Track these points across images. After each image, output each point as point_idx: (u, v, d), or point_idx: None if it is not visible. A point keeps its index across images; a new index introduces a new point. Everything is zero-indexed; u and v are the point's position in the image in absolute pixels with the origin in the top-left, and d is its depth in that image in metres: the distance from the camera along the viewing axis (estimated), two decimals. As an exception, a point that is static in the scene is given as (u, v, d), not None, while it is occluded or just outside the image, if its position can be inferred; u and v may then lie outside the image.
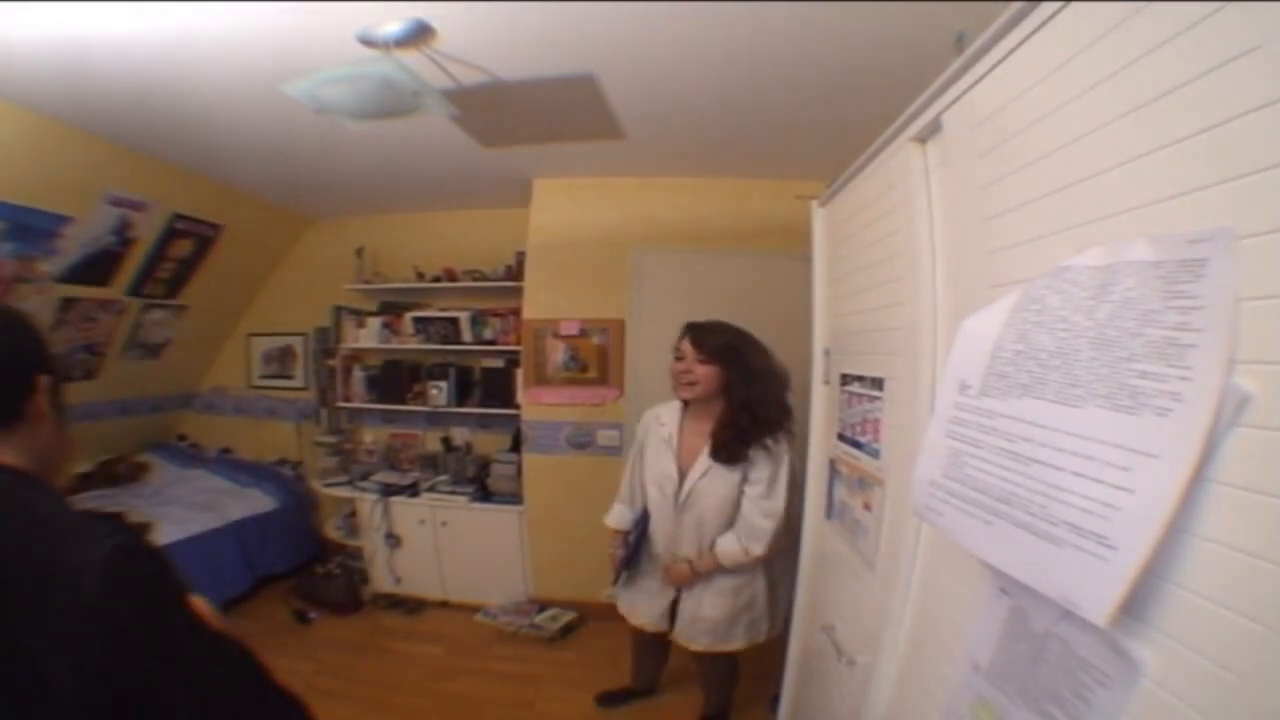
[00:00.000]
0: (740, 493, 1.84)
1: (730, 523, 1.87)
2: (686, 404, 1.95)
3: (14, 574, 0.56)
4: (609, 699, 2.45)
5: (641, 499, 2.06)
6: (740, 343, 1.84)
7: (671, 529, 1.94)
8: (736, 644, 1.98)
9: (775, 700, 2.03)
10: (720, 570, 1.89)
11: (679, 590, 1.98)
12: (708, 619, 1.94)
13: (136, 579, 0.58)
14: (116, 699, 0.55)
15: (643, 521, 2.03)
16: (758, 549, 1.81)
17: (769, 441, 1.81)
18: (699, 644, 1.99)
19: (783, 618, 1.98)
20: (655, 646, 2.25)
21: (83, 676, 0.54)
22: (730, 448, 1.79)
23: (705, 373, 1.81)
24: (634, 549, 2.03)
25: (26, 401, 0.68)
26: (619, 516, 2.12)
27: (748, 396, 1.80)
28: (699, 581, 1.92)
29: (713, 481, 1.84)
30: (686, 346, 1.85)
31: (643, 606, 2.07)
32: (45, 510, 0.62)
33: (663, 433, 1.97)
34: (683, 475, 1.89)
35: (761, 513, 1.81)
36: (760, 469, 1.81)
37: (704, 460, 1.85)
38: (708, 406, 1.87)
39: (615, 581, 2.12)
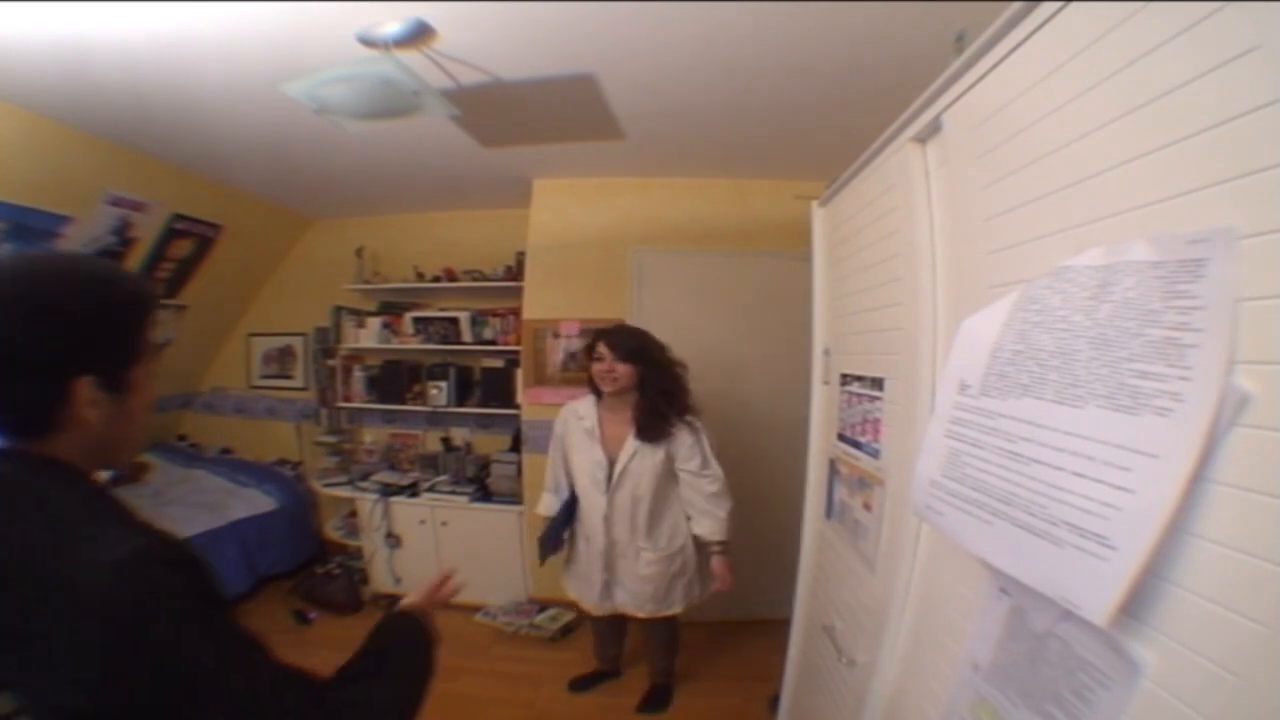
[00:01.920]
0: (664, 467, 2.11)
1: (661, 494, 2.14)
2: (600, 398, 2.18)
3: (14, 566, 0.56)
4: (580, 683, 2.60)
5: (567, 487, 2.28)
6: (646, 343, 2.13)
7: (605, 510, 2.16)
8: (676, 607, 2.24)
9: (775, 700, 2.03)
10: (713, 547, 2.16)
11: (607, 571, 2.22)
12: (646, 589, 2.19)
13: (151, 587, 0.56)
14: (115, 706, 0.55)
15: (568, 508, 2.25)
16: (722, 511, 2.12)
17: (689, 418, 2.11)
18: (644, 610, 2.23)
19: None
20: (609, 626, 2.48)
21: (80, 679, 0.54)
22: (656, 428, 2.08)
23: (624, 370, 2.07)
24: (557, 532, 2.27)
25: (60, 410, 0.62)
26: (549, 505, 2.32)
27: (661, 386, 2.08)
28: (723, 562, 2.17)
29: (642, 460, 2.10)
30: (605, 350, 2.09)
31: (584, 590, 2.30)
32: (64, 504, 0.61)
33: (584, 425, 2.20)
34: (611, 460, 2.14)
35: (709, 481, 2.11)
36: (685, 444, 2.09)
37: (631, 443, 2.11)
38: (623, 398, 2.13)
39: (542, 562, 2.35)
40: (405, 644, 0.85)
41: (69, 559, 0.56)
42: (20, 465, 0.63)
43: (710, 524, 2.12)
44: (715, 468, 2.12)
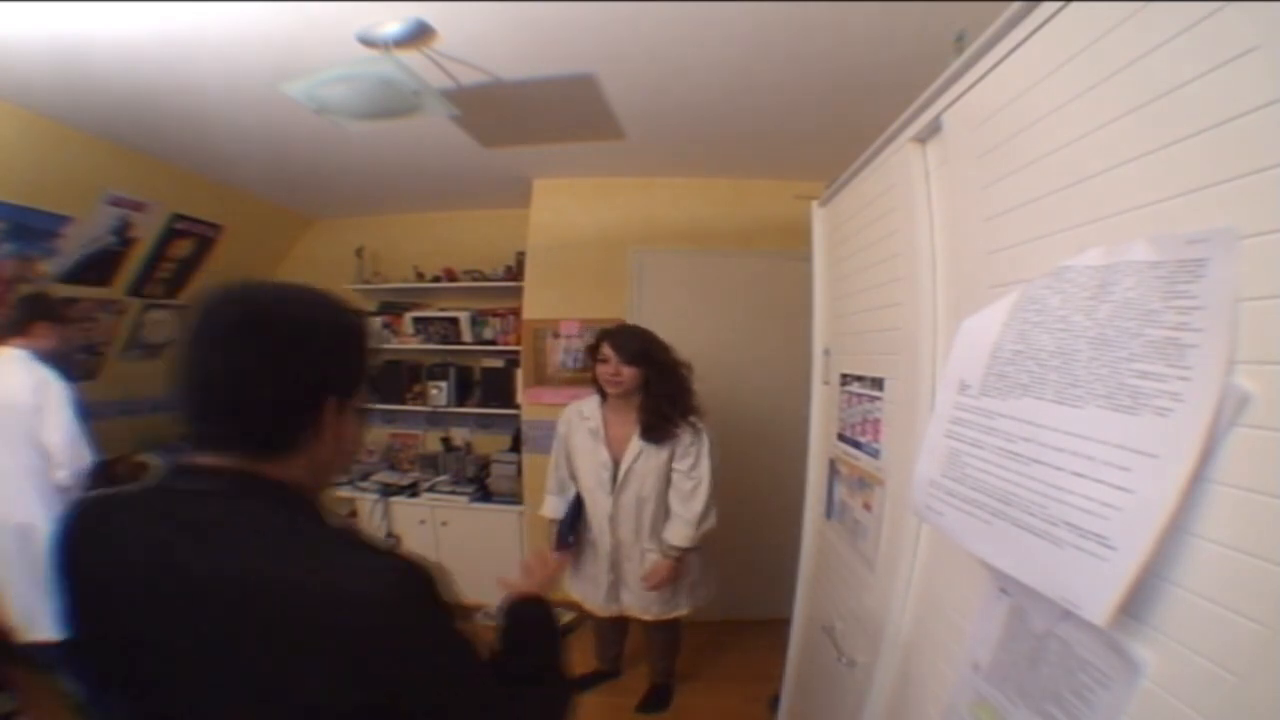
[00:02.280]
0: (669, 468, 2.11)
1: (665, 495, 2.13)
2: (604, 399, 2.17)
3: (276, 591, 0.57)
4: (580, 683, 2.58)
5: (572, 489, 2.26)
6: (652, 345, 2.10)
7: (610, 511, 2.15)
8: (682, 610, 2.24)
9: (775, 700, 2.03)
10: (668, 550, 2.12)
11: (614, 572, 2.21)
12: (651, 591, 2.16)
13: (416, 611, 0.59)
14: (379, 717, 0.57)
15: (574, 510, 2.23)
16: (689, 513, 2.07)
17: (693, 419, 2.10)
18: (651, 613, 2.22)
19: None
20: (611, 626, 2.46)
21: (350, 696, 0.55)
22: (661, 429, 2.07)
23: (629, 373, 2.05)
24: (571, 537, 2.24)
25: (308, 429, 0.65)
26: (554, 507, 2.29)
27: (666, 388, 2.07)
28: (678, 570, 2.13)
29: (646, 461, 2.10)
30: (609, 352, 2.07)
31: (590, 591, 2.28)
32: (310, 530, 0.63)
33: (589, 425, 2.18)
34: (616, 461, 2.13)
35: (692, 484, 2.08)
36: (684, 443, 2.09)
37: (636, 444, 2.11)
38: (628, 400, 2.11)
39: None
40: (549, 635, 0.90)
41: (327, 585, 0.57)
42: (247, 486, 0.63)
43: (677, 528, 2.09)
44: (703, 471, 2.09)
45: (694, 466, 2.09)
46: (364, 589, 0.57)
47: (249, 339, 0.62)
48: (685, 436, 2.09)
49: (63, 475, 2.00)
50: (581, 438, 2.20)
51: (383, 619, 0.56)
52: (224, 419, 0.63)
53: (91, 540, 0.65)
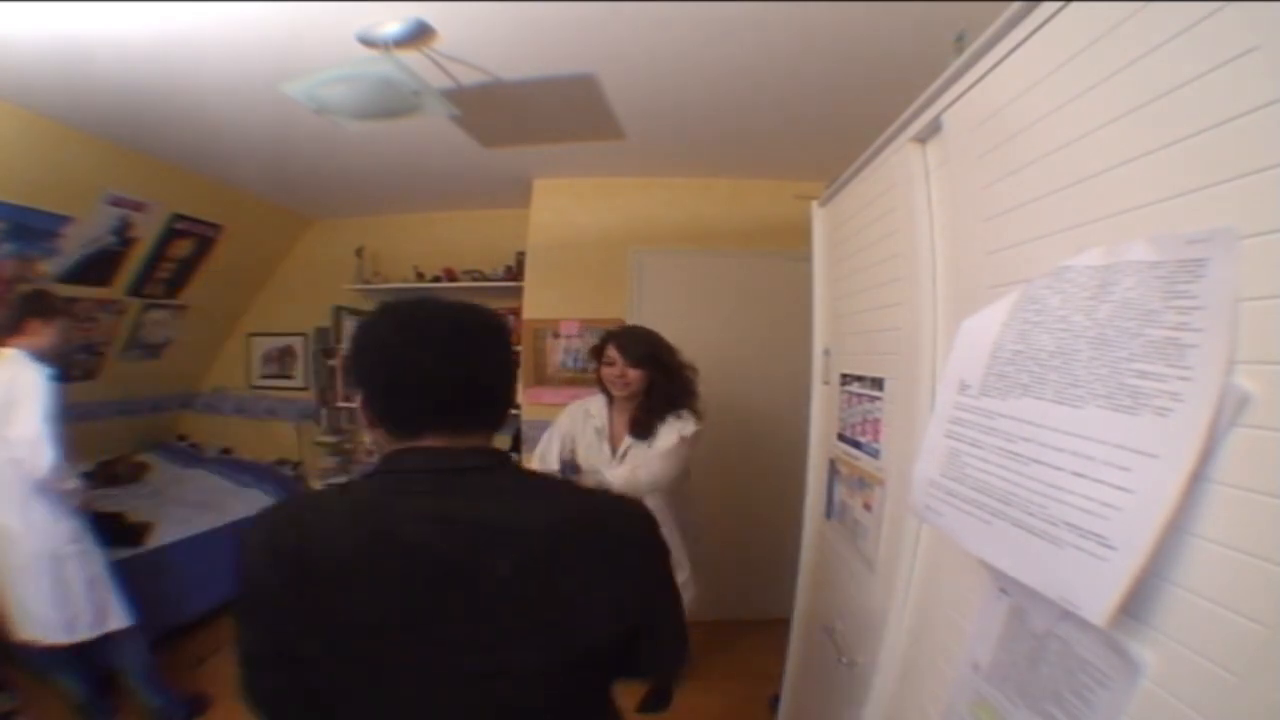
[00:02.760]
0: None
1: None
2: (611, 399, 2.16)
3: (572, 529, 0.72)
4: None
5: (555, 460, 2.22)
6: (658, 347, 2.08)
7: None
8: None
9: (775, 700, 2.03)
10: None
11: None
12: None
13: (662, 540, 0.79)
14: (629, 627, 0.73)
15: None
16: (624, 478, 1.93)
17: (681, 412, 2.08)
18: None
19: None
20: None
21: (637, 596, 0.74)
22: (648, 427, 2.08)
23: (635, 375, 2.03)
24: None
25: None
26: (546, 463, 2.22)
27: (669, 391, 2.07)
28: None
29: (634, 458, 2.09)
30: (615, 354, 2.04)
31: None
32: (552, 482, 0.86)
33: (595, 424, 2.19)
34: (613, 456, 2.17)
35: (657, 458, 2.01)
36: (665, 432, 2.06)
37: (626, 440, 2.13)
38: (633, 400, 2.11)
39: None
40: None
41: (605, 522, 0.75)
42: (496, 457, 0.78)
43: (616, 475, 1.95)
44: (663, 456, 1.96)
45: (661, 452, 1.98)
46: (635, 522, 0.77)
47: (490, 344, 0.80)
48: (671, 422, 2.02)
49: (28, 470, 1.93)
50: (588, 436, 2.21)
51: (648, 541, 0.77)
52: (477, 408, 0.78)
53: (332, 537, 0.71)
